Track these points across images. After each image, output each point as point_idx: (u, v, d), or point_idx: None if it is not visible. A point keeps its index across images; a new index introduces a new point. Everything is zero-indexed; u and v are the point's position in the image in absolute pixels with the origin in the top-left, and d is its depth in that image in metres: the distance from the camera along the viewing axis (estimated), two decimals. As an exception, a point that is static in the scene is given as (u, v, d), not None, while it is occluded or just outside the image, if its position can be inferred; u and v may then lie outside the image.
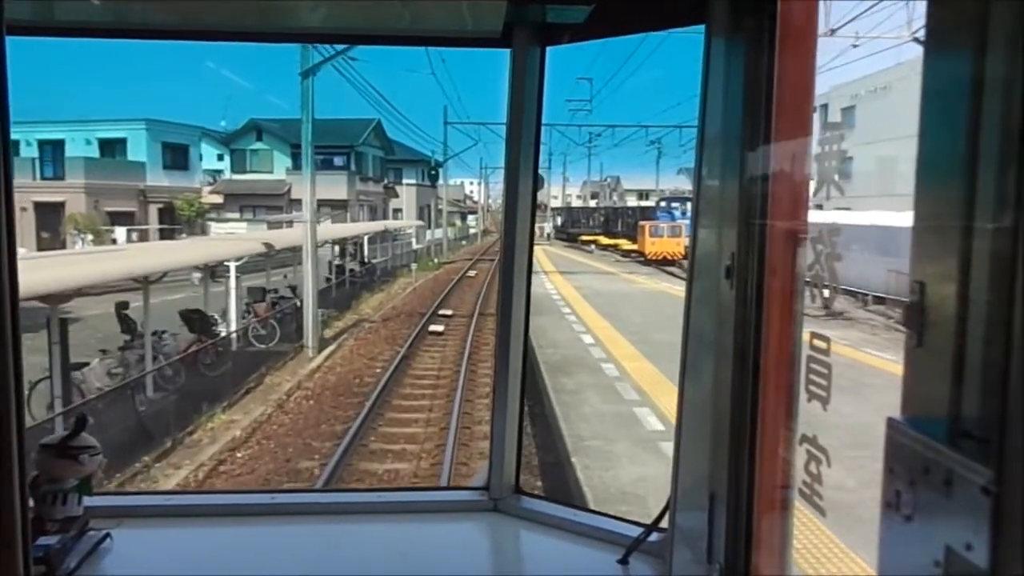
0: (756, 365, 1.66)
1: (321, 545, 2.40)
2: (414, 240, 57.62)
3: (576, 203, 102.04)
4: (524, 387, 2.65)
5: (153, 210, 46.86)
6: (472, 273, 44.15)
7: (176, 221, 45.94)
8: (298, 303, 22.17)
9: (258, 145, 56.57)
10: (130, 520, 2.37)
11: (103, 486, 9.61)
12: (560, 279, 31.39)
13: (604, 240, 59.41)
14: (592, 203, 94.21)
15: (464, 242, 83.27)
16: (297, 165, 57.30)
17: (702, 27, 1.82)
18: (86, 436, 2.16)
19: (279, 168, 55.26)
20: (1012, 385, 0.79)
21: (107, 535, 2.18)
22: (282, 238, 24.92)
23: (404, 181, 67.60)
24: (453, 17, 2.39)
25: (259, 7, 2.36)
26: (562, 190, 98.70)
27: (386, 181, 64.55)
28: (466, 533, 2.57)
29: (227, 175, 55.66)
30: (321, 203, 52.95)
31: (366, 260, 38.35)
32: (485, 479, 2.64)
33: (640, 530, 2.25)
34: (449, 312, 27.14)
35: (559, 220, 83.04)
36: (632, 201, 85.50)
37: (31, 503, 1.91)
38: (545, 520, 2.50)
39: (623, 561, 2.20)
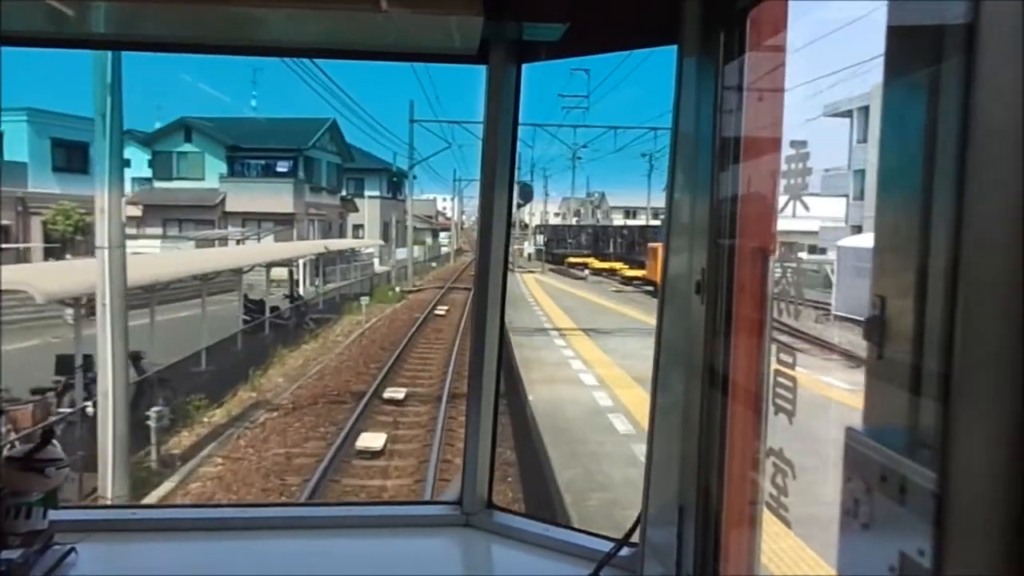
0: (725, 380, 1.76)
1: (292, 559, 2.41)
2: (376, 261, 48.68)
3: (555, 221, 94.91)
4: (498, 399, 2.63)
5: (36, 223, 36.96)
6: (442, 310, 33.45)
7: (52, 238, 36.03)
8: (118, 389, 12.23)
9: (186, 147, 47.95)
10: (96, 534, 2.37)
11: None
12: (595, 352, 15.98)
13: (596, 263, 51.27)
14: (573, 221, 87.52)
15: (434, 263, 73.91)
16: (233, 171, 48.66)
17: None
18: (52, 449, 2.14)
19: (211, 174, 46.88)
20: (954, 389, 0.82)
21: (72, 549, 2.16)
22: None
23: (366, 193, 58.58)
24: (430, 33, 2.44)
25: (233, 20, 2.36)
26: (543, 206, 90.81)
27: (343, 193, 55.11)
28: (438, 548, 2.61)
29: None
30: (261, 217, 44.95)
31: (296, 294, 28.38)
32: (458, 494, 2.64)
33: (611, 545, 2.28)
34: (401, 394, 16.75)
35: (541, 239, 74.87)
36: (618, 219, 79.15)
37: None
38: (517, 535, 2.54)
39: None
